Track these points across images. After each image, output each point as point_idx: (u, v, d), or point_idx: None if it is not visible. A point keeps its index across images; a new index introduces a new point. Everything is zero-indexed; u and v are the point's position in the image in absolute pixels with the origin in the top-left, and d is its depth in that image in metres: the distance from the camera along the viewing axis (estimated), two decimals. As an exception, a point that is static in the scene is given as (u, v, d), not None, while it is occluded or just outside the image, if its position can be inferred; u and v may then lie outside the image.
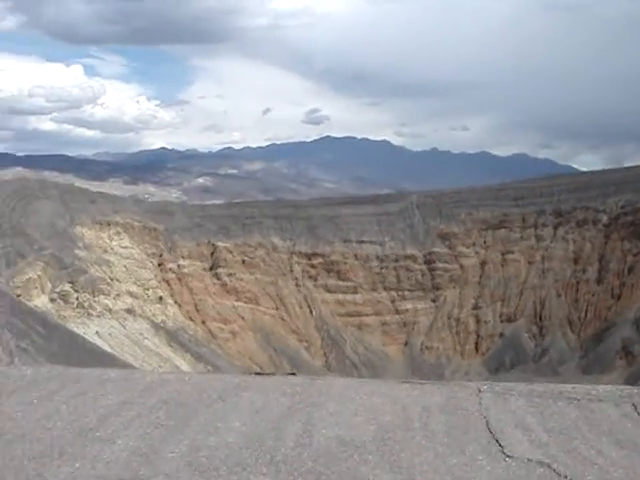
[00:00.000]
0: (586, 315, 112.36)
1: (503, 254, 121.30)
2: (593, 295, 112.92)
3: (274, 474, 5.93)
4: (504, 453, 6.47)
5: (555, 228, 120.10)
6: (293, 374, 10.04)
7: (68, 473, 5.89)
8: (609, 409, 7.84)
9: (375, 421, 7.32)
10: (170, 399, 8.03)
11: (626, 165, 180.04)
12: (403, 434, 6.94)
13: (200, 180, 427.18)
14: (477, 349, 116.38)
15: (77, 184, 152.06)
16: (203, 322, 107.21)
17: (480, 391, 8.46)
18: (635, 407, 7.88)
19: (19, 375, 9.11)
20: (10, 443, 6.59)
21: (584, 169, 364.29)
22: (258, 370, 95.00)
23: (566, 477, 5.91)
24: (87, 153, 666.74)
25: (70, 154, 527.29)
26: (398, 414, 7.55)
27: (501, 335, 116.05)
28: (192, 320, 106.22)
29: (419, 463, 6.21)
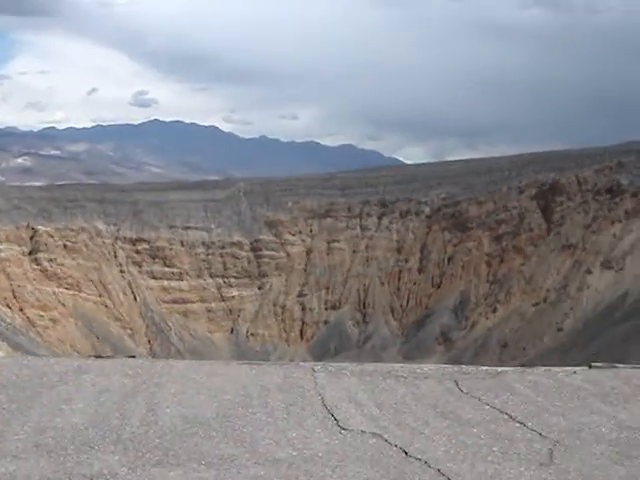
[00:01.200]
0: (408, 303, 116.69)
1: (329, 242, 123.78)
2: (415, 284, 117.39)
3: (122, 451, 6.10)
4: (339, 426, 6.93)
5: (379, 218, 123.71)
6: (133, 357, 10.16)
7: None
8: (434, 385, 8.51)
9: (216, 399, 7.61)
10: (9, 383, 7.97)
11: (448, 159, 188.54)
12: (244, 411, 7.28)
13: (20, 160, 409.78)
14: (302, 336, 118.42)
15: None
16: (21, 309, 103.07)
17: (315, 371, 8.92)
18: (457, 383, 8.60)
19: None
20: None
21: (409, 162, 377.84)
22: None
23: (396, 445, 6.44)
24: None
25: None
26: (238, 392, 7.88)
27: (326, 322, 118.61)
28: (9, 307, 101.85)
29: (261, 437, 6.56)
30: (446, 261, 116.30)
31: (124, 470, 5.71)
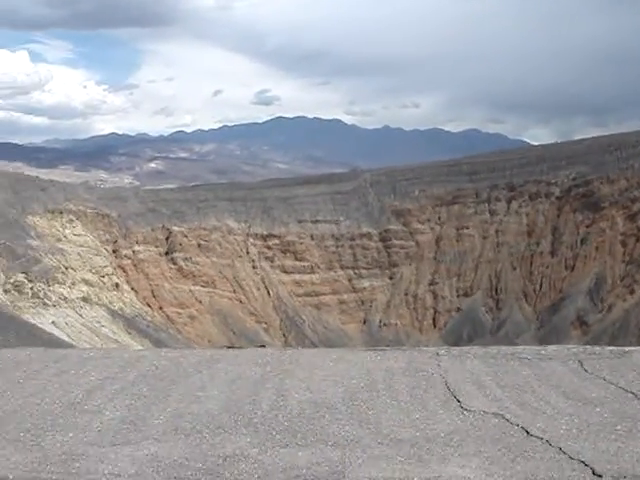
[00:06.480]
0: (541, 287, 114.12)
1: (458, 229, 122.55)
2: (547, 267, 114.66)
3: (253, 434, 6.45)
4: (462, 407, 7.07)
5: (508, 202, 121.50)
6: (263, 346, 10.57)
7: (63, 442, 6.35)
8: (557, 366, 8.49)
9: (343, 384, 7.87)
10: (149, 373, 8.50)
11: (576, 138, 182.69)
12: (369, 394, 7.51)
13: (152, 164, 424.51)
14: (435, 324, 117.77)
15: (27, 172, 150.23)
16: (160, 307, 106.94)
17: (438, 354, 9.06)
18: (581, 363, 8.55)
19: (1, 358, 9.49)
20: (3, 418, 7.02)
21: (535, 143, 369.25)
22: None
23: (517, 425, 6.53)
24: (37, 140, 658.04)
25: (19, 142, 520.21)
26: (363, 377, 8.12)
27: (458, 309, 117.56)
28: (149, 306, 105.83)
29: (385, 419, 6.78)
30: (579, 243, 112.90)
31: (255, 451, 6.05)
